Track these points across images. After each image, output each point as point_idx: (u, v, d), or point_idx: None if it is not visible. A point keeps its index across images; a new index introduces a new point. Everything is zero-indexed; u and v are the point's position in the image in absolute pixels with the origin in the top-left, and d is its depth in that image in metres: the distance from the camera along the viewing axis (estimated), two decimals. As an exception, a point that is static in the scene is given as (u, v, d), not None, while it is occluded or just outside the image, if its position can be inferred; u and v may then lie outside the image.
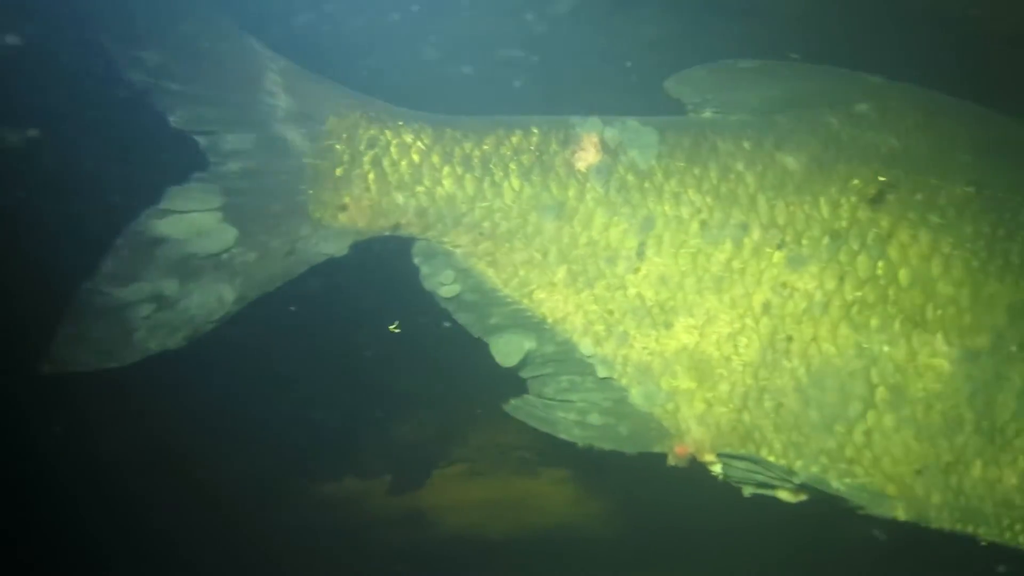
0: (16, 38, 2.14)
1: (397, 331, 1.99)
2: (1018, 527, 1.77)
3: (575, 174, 1.67)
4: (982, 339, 1.67)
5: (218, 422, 3.14)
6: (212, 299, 1.61)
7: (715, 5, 2.41)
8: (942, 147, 1.73)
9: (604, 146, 1.65)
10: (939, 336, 1.68)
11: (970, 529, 1.80)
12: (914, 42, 2.32)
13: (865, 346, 1.71)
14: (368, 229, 1.66)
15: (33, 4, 2.09)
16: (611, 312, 1.75)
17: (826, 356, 1.73)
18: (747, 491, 1.91)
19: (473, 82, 2.54)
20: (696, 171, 1.68)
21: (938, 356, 1.69)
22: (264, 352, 2.96)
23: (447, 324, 1.77)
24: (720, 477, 1.90)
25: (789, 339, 1.74)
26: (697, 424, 1.81)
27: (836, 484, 1.77)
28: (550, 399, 1.79)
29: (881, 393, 1.72)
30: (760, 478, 1.85)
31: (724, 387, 1.79)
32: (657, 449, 1.85)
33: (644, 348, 1.78)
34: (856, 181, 1.70)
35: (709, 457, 1.85)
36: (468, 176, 1.66)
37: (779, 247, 1.71)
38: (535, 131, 1.69)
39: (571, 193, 1.68)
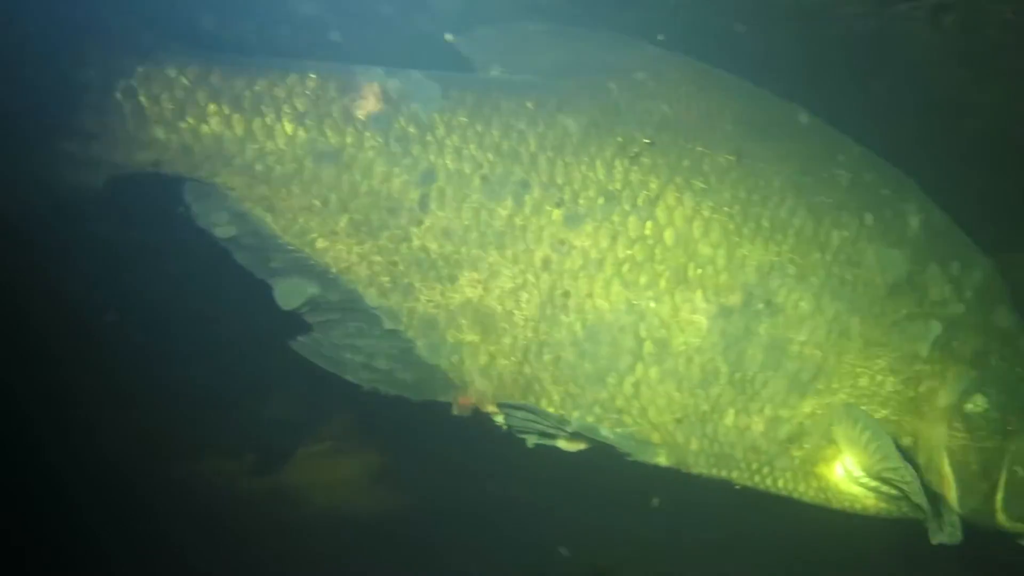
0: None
1: (504, 426, 1.93)
2: (765, 471, 1.95)
3: (354, 122, 1.66)
4: (735, 297, 1.81)
5: (69, 404, 2.91)
6: None
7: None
8: (710, 117, 1.85)
9: (385, 96, 1.65)
10: (698, 294, 1.81)
11: (724, 473, 1.96)
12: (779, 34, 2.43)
13: (634, 302, 1.82)
14: (126, 163, 1.59)
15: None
16: (396, 264, 1.76)
17: (600, 311, 1.82)
18: (530, 441, 1.99)
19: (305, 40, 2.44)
20: (478, 127, 1.71)
21: (697, 312, 1.82)
22: (120, 330, 2.76)
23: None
24: (503, 427, 1.98)
25: (567, 295, 1.82)
26: (480, 376, 1.87)
27: (606, 433, 1.88)
28: (337, 342, 1.79)
29: (648, 347, 1.84)
30: (540, 427, 1.93)
31: (507, 340, 1.85)
32: (442, 399, 1.89)
33: (430, 301, 1.80)
34: (629, 145, 1.79)
35: (491, 408, 1.91)
36: (237, 116, 1.61)
37: (558, 205, 1.78)
38: (312, 76, 1.66)
39: (349, 141, 1.66)
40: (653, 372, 1.85)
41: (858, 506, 1.97)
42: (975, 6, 2.30)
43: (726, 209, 1.80)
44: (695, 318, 1.82)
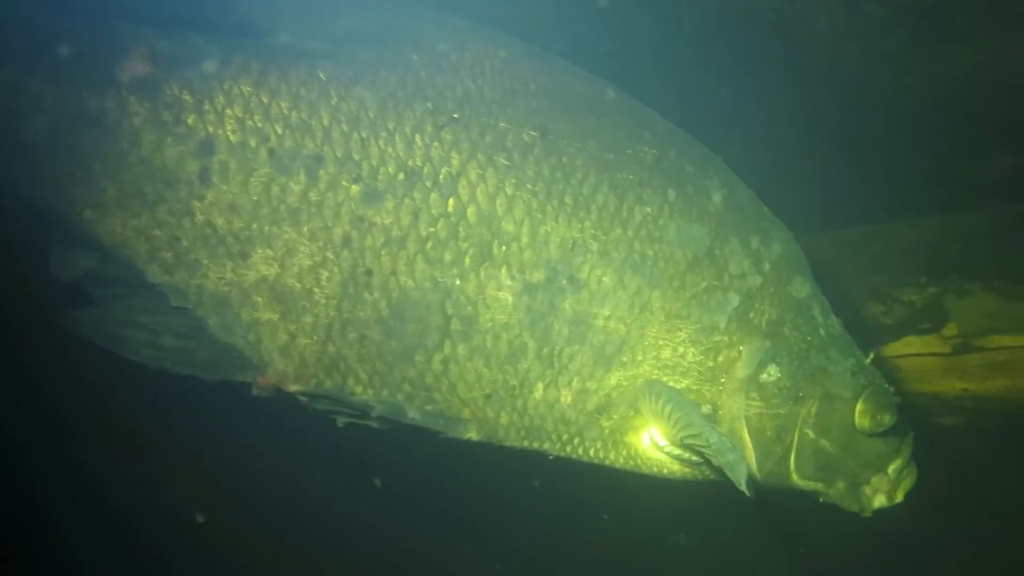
0: None
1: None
2: (576, 442, 1.99)
3: (116, 85, 1.54)
4: (539, 274, 1.82)
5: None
6: None
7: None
8: (514, 92, 1.83)
9: (154, 59, 1.54)
10: (503, 270, 1.80)
11: (535, 445, 1.99)
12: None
13: (440, 280, 1.79)
14: None
15: None
16: (179, 239, 1.66)
17: (404, 289, 1.79)
18: (340, 422, 1.95)
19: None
20: (263, 97, 1.63)
21: (503, 289, 1.81)
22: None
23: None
24: (308, 409, 1.93)
25: (369, 273, 1.78)
26: (280, 355, 1.81)
27: (413, 414, 1.86)
28: (119, 319, 1.69)
29: (455, 324, 1.82)
30: (346, 410, 1.90)
31: (308, 319, 1.79)
32: (240, 378, 1.82)
33: (220, 279, 1.72)
34: (431, 120, 1.75)
35: (294, 387, 1.86)
36: None
37: (355, 181, 1.72)
38: (70, 31, 1.53)
39: (110, 105, 1.55)
40: (461, 349, 1.84)
41: (666, 471, 2.05)
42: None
43: (529, 186, 1.79)
44: (501, 295, 1.82)
